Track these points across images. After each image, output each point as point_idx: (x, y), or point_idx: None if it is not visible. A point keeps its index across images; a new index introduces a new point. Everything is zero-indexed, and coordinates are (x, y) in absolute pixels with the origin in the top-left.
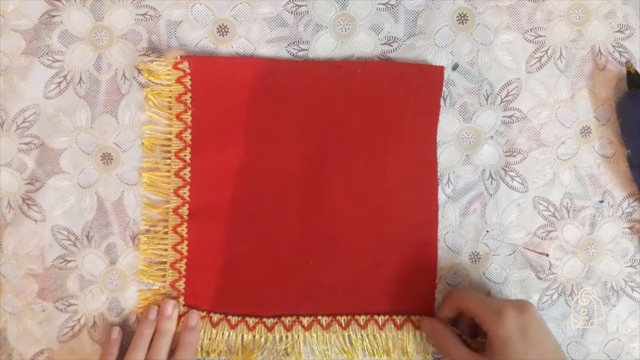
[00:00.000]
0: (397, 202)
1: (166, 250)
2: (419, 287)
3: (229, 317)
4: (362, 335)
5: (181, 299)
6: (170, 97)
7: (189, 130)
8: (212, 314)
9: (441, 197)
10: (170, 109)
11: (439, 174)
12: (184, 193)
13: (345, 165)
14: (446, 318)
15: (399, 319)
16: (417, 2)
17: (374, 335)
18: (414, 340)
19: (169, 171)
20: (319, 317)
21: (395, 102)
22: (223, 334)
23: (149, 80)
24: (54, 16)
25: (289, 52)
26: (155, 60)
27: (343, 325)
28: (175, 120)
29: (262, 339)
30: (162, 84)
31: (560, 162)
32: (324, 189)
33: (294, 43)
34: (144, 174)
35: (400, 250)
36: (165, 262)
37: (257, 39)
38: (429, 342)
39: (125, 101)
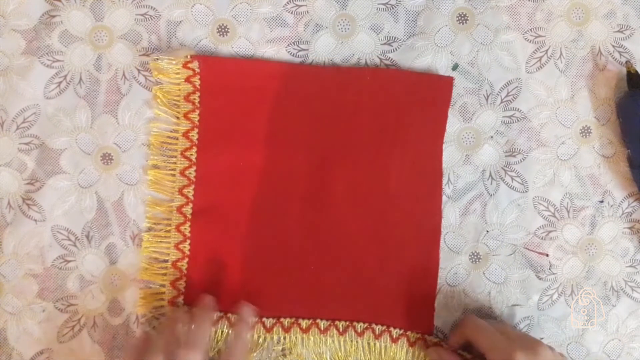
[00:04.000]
0: (400, 211)
1: (168, 248)
2: (418, 299)
3: (229, 315)
4: (357, 342)
5: (180, 299)
6: (179, 96)
7: (196, 130)
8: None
9: (442, 197)
10: (178, 107)
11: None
12: (189, 192)
13: (349, 171)
14: (456, 345)
15: (395, 332)
16: (417, 2)
17: (368, 344)
18: (405, 357)
19: (174, 169)
20: (318, 321)
21: (402, 110)
22: (222, 332)
23: (158, 79)
24: (54, 16)
25: (289, 52)
26: (165, 59)
27: (340, 330)
28: (183, 119)
29: (261, 339)
30: (171, 83)
31: (560, 162)
32: (328, 193)
33: (294, 43)
34: (149, 172)
35: (401, 260)
36: (167, 261)
37: (257, 39)
38: None
39: (125, 101)
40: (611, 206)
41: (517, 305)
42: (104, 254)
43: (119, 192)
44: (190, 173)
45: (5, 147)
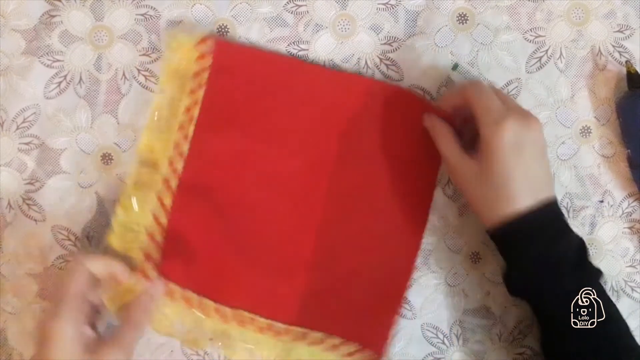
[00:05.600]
0: (382, 226)
1: (145, 216)
2: (377, 318)
3: (188, 294)
4: (304, 349)
5: (150, 266)
6: (187, 72)
7: (198, 106)
8: (173, 286)
9: (441, 197)
10: (184, 83)
11: (439, 174)
12: (178, 165)
13: (342, 179)
14: (448, 107)
15: (346, 349)
16: (417, 2)
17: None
18: None
19: (168, 139)
20: (274, 323)
21: (405, 132)
22: (178, 312)
23: (170, 53)
24: (54, 16)
25: (289, 52)
26: (181, 34)
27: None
28: (188, 94)
29: (207, 323)
30: (181, 58)
31: (560, 162)
32: (316, 197)
33: (294, 43)
34: (143, 132)
35: (371, 275)
36: (140, 231)
37: (257, 39)
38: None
39: (125, 101)
40: (611, 206)
41: (517, 305)
42: (104, 253)
43: (119, 192)
44: (183, 146)
45: (5, 147)
